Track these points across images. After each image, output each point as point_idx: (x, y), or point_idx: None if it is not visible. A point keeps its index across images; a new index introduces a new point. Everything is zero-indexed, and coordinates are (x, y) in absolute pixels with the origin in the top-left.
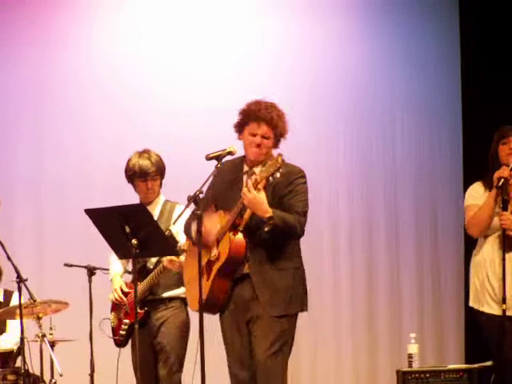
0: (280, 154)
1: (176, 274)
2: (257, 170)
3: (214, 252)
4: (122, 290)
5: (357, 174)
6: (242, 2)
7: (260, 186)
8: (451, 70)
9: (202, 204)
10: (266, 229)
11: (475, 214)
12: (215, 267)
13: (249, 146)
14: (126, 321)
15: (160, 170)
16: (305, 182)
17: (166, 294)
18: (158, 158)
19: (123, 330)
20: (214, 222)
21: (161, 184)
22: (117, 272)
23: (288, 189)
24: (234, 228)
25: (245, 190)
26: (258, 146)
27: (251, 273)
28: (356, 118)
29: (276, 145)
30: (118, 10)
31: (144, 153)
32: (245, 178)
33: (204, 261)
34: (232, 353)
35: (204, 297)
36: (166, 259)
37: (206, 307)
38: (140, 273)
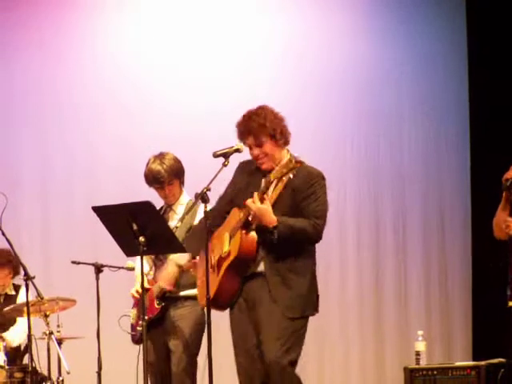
0: (294, 156)
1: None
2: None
3: (225, 249)
4: None
5: (364, 174)
6: (246, 0)
7: (266, 197)
8: (458, 67)
9: (219, 201)
10: (272, 237)
11: (495, 218)
12: (225, 264)
13: (253, 159)
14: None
15: (175, 174)
16: (324, 185)
17: (183, 293)
18: (171, 162)
19: (140, 325)
20: (220, 243)
21: (183, 183)
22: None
23: (307, 192)
24: (246, 226)
25: (249, 201)
26: (257, 157)
27: (267, 273)
28: (363, 116)
29: (277, 143)
30: (122, 11)
31: (157, 158)
32: (263, 181)
33: (216, 258)
34: (241, 349)
35: (212, 293)
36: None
37: (214, 304)
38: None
